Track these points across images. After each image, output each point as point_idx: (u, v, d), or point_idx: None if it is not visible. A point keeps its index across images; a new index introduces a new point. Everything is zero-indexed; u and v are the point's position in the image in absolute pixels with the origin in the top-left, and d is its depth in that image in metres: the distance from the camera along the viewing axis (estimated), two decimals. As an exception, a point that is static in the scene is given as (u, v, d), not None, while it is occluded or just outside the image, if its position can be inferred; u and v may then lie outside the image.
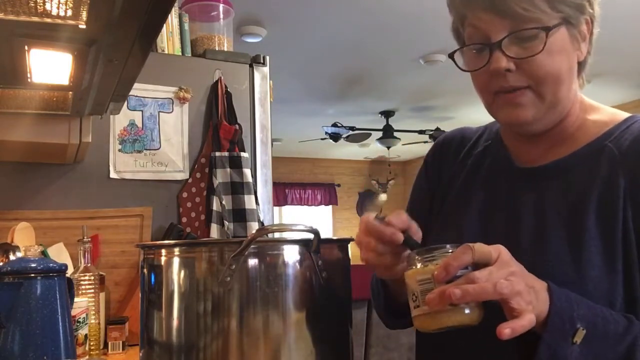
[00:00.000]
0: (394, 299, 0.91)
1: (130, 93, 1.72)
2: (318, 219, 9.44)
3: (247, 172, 1.92)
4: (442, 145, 1.01)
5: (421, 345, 0.95)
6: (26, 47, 0.87)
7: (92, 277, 1.49)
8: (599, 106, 0.87)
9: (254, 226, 1.87)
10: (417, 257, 0.70)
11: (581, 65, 0.84)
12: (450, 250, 0.68)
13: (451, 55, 0.86)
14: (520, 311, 0.63)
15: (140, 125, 1.87)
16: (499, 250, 0.66)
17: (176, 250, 0.77)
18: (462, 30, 0.84)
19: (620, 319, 0.70)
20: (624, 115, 0.84)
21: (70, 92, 1.16)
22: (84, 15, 0.76)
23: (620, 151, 0.78)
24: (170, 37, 1.95)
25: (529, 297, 0.65)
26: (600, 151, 0.80)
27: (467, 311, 0.65)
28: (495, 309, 0.69)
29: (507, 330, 0.62)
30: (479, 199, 0.89)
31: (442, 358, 0.89)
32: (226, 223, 1.86)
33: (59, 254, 1.60)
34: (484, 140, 0.96)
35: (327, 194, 9.70)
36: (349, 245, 0.86)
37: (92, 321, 1.44)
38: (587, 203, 0.76)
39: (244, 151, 1.95)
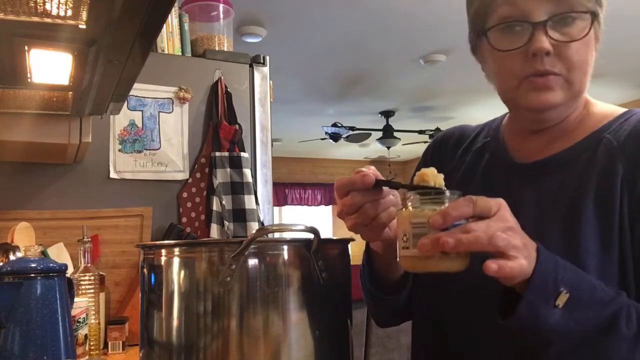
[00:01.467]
0: (379, 277, 0.91)
1: (130, 93, 1.72)
2: (318, 219, 9.43)
3: (247, 172, 1.92)
4: (441, 143, 1.01)
5: (418, 324, 0.96)
6: (26, 47, 0.87)
7: (92, 277, 1.49)
8: (599, 103, 0.87)
9: (254, 226, 1.87)
10: (412, 197, 0.68)
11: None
12: (448, 195, 0.67)
13: (484, 32, 0.81)
14: (516, 258, 0.63)
15: (140, 125, 1.87)
16: (500, 204, 0.66)
17: (176, 250, 0.77)
18: (490, 10, 0.81)
19: (609, 289, 0.69)
20: (623, 109, 0.85)
21: (70, 92, 1.16)
22: (84, 15, 0.76)
23: (618, 142, 0.78)
24: (170, 37, 1.95)
25: (526, 254, 0.64)
26: (598, 143, 0.80)
27: (455, 259, 0.65)
28: (491, 303, 0.69)
29: (494, 265, 0.61)
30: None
31: (439, 336, 0.89)
32: (226, 223, 1.86)
33: (59, 254, 1.60)
34: (482, 137, 0.96)
35: (327, 194, 9.70)
36: (349, 245, 0.86)
37: (92, 321, 1.44)
38: (585, 194, 0.76)
39: (244, 151, 1.95)
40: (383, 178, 0.75)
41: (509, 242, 0.62)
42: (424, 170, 0.71)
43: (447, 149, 0.99)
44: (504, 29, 0.80)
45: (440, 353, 0.88)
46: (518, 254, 0.63)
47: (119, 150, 1.84)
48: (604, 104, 0.87)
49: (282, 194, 9.36)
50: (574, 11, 0.76)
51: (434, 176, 0.71)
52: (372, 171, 0.74)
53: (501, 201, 0.66)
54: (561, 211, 0.78)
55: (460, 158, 0.96)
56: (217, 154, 1.90)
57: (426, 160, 1.02)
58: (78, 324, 1.33)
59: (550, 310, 0.64)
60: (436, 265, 0.65)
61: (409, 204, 0.68)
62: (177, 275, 0.76)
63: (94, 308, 1.46)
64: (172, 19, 1.94)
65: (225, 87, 1.98)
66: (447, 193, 0.68)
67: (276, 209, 9.13)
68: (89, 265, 1.51)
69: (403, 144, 7.40)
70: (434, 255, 0.64)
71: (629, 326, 0.66)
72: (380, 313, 1.00)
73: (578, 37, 0.76)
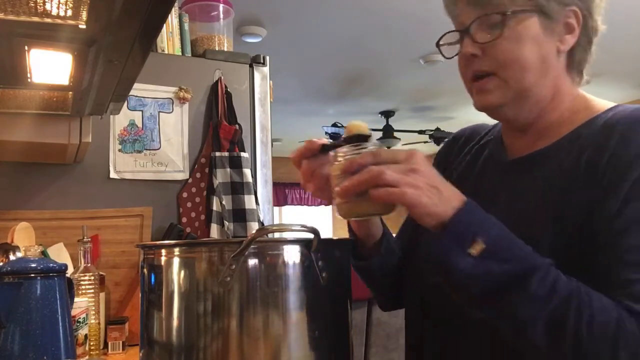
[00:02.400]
0: (360, 246, 0.93)
1: (130, 93, 1.72)
2: (318, 219, 9.43)
3: (247, 172, 1.92)
4: (452, 142, 1.04)
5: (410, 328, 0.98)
6: (26, 47, 0.87)
7: (92, 277, 1.49)
8: (594, 99, 0.86)
9: (254, 226, 1.87)
10: (337, 153, 0.75)
11: (572, 58, 0.83)
12: (368, 146, 0.72)
13: (437, 45, 0.89)
14: (405, 191, 0.67)
15: (140, 125, 1.87)
16: (411, 155, 0.70)
17: (176, 250, 0.77)
18: (453, 22, 0.88)
19: (536, 254, 0.69)
20: (610, 104, 0.83)
21: (70, 92, 1.16)
22: (84, 15, 0.76)
23: (592, 135, 0.78)
24: (170, 37, 1.95)
25: (429, 194, 0.68)
26: (577, 139, 0.80)
27: (375, 202, 0.69)
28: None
29: (374, 191, 0.67)
30: (468, 192, 0.90)
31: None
32: (226, 223, 1.86)
33: (59, 254, 1.60)
34: (489, 135, 0.98)
35: (327, 194, 9.70)
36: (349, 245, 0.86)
37: (92, 321, 1.44)
38: (553, 188, 0.77)
39: (244, 151, 1.95)
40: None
41: (400, 178, 0.67)
42: (350, 122, 0.77)
43: (455, 147, 1.02)
44: (451, 38, 0.87)
45: (421, 328, 0.92)
46: (412, 190, 0.67)
47: (119, 150, 1.84)
48: (603, 101, 0.86)
49: (282, 194, 9.35)
50: (488, 13, 0.79)
51: (357, 127, 0.76)
52: (321, 140, 0.80)
53: (414, 152, 0.70)
54: (532, 205, 0.79)
55: (466, 154, 0.98)
56: (217, 154, 1.90)
57: (437, 157, 1.05)
58: (78, 324, 1.33)
59: (464, 257, 0.67)
60: (361, 209, 0.72)
61: (336, 158, 0.75)
62: (177, 275, 0.76)
63: (94, 308, 1.46)
64: (172, 19, 1.94)
65: (225, 87, 1.98)
66: (370, 145, 0.73)
67: (276, 209, 9.13)
68: (89, 265, 1.50)
69: (403, 144, 7.40)
70: (356, 200, 0.70)
71: (540, 287, 0.66)
72: (376, 292, 1.03)
73: (497, 37, 0.79)
